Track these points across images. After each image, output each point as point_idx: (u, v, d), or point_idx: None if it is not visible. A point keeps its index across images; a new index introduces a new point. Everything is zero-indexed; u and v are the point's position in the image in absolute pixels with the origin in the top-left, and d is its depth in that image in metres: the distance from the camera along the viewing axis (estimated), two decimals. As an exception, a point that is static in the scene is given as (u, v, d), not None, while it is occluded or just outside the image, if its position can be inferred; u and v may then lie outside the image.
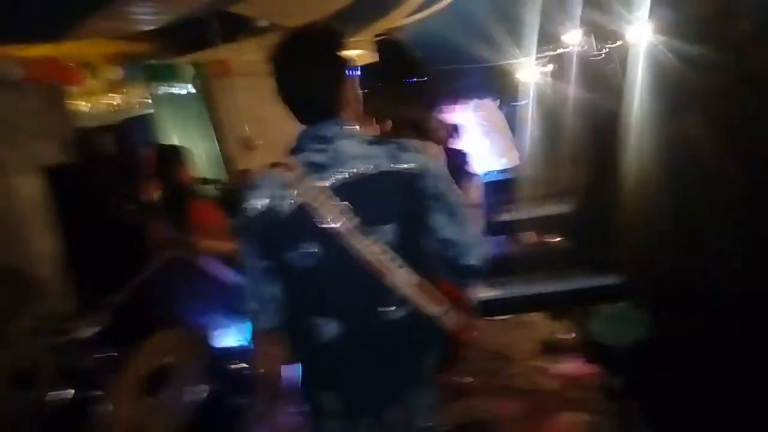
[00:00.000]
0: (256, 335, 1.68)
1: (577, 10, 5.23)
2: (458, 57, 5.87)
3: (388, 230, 1.46)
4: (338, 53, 1.52)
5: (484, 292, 2.08)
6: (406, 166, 1.48)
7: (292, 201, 1.44)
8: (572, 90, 4.26)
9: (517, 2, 5.54)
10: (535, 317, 3.02)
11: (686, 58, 1.43)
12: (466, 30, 5.70)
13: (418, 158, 1.51)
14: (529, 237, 2.49)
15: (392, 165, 1.47)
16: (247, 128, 4.65)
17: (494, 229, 2.40)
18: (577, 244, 1.55)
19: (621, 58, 3.96)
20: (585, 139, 1.61)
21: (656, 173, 1.41)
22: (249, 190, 1.50)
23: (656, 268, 1.47)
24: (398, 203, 1.48)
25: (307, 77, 1.48)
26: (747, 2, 1.46)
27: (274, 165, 1.53)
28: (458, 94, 4.89)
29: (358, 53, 5.40)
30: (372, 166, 1.45)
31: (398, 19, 5.39)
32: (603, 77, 4.33)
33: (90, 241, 3.57)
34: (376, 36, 5.44)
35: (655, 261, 1.46)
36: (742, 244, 1.40)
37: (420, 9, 5.41)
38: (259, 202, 1.47)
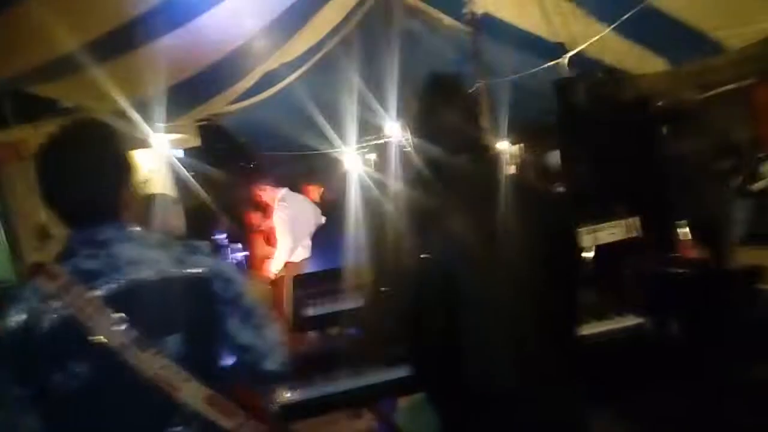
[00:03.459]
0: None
1: (395, 103, 5.67)
2: (283, 144, 6.00)
3: (173, 341, 1.35)
4: (117, 150, 1.44)
5: (288, 395, 2.01)
6: (193, 270, 1.41)
7: (55, 315, 1.27)
8: (390, 180, 4.51)
9: (341, 94, 5.89)
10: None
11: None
12: (291, 118, 5.88)
13: (208, 261, 1.45)
14: (334, 332, 2.50)
15: (178, 269, 1.39)
16: (42, 215, 4.17)
17: (299, 325, 2.37)
18: (370, 337, 1.57)
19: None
20: (374, 231, 1.67)
21: (440, 267, 1.49)
22: (3, 306, 1.30)
23: (442, 359, 1.53)
24: (185, 311, 1.39)
25: (83, 178, 1.36)
26: None
27: (35, 273, 1.36)
28: (279, 181, 4.94)
29: (179, 137, 5.25)
30: (152, 272, 1.35)
31: (221, 105, 5.38)
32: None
33: None
34: (198, 121, 5.35)
35: (441, 353, 1.52)
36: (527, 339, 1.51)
37: (244, 97, 5.48)
38: (13, 319, 1.27)
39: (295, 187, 4.98)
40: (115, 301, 1.31)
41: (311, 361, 2.13)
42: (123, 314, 1.30)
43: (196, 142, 5.34)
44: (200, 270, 1.42)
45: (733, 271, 3.00)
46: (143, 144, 4.67)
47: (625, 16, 4.25)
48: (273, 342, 1.53)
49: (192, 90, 4.72)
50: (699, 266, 2.99)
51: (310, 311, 2.32)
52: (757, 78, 6.44)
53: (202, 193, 4.50)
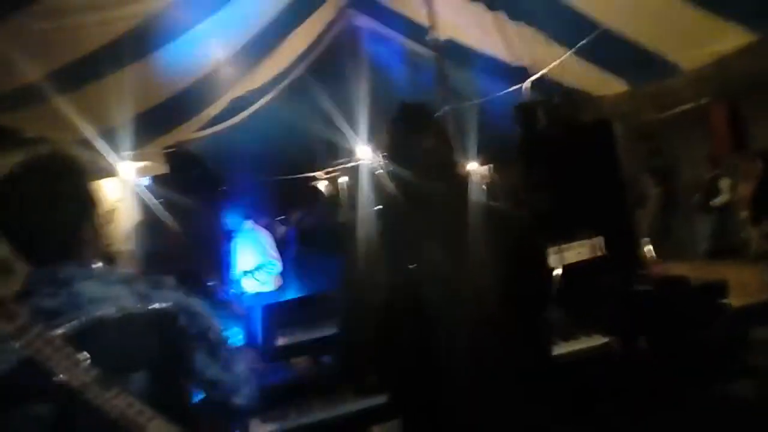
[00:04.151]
0: None
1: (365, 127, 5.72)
2: (254, 169, 5.97)
3: (138, 379, 1.33)
4: (80, 185, 1.42)
5: (262, 428, 1.98)
6: (158, 305, 1.39)
7: (13, 356, 1.24)
8: (362, 203, 4.52)
9: (312, 119, 5.91)
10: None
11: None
12: (261, 143, 5.88)
13: (173, 296, 1.43)
14: (305, 362, 2.47)
15: (141, 305, 1.36)
16: (3, 250, 4.05)
17: (268, 355, 2.34)
18: (344, 366, 1.57)
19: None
20: (348, 255, 1.68)
21: (412, 290, 1.51)
22: None
23: (418, 385, 1.54)
24: (149, 348, 1.37)
25: (44, 214, 1.34)
26: None
27: None
28: (250, 207, 4.91)
29: (146, 165, 5.17)
30: (114, 309, 1.33)
31: (189, 133, 5.34)
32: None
33: None
34: (166, 148, 5.30)
35: (416, 378, 1.53)
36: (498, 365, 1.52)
37: (213, 123, 5.46)
38: None
39: (265, 213, 4.94)
40: (76, 340, 1.28)
41: (284, 392, 2.09)
42: (84, 353, 1.27)
43: (163, 169, 5.28)
44: (165, 305, 1.40)
45: (697, 286, 3.08)
46: (109, 173, 4.59)
47: (585, 40, 4.39)
48: (242, 376, 1.51)
49: (159, 117, 4.69)
50: (664, 283, 3.06)
51: (282, 341, 2.29)
52: (712, 98, 6.70)
53: (171, 222, 4.43)
